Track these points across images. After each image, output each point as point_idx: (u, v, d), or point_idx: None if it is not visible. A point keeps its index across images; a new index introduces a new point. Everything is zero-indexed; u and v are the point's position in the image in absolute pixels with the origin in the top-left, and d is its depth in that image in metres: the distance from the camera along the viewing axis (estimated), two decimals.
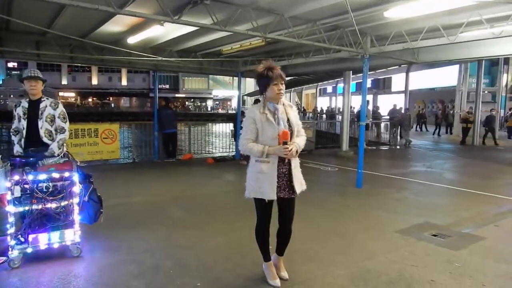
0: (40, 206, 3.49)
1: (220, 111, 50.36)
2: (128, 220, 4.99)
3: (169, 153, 10.61)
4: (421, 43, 7.29)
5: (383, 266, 3.59)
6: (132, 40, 8.45)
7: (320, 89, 42.78)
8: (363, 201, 6.20)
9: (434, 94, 29.29)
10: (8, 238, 3.44)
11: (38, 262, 3.52)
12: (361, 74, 7.73)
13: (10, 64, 50.35)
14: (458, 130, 17.61)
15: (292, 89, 34.99)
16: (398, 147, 14.95)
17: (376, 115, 16.86)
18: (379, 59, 9.67)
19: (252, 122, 2.96)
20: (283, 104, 3.06)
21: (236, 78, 13.67)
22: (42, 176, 3.52)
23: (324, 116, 30.53)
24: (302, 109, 37.49)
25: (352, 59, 10.15)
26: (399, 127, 15.42)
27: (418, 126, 23.25)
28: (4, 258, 3.48)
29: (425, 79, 28.26)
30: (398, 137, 15.59)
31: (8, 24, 7.89)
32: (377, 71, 21.92)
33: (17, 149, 3.94)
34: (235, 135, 10.55)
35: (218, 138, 13.59)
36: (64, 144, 4.09)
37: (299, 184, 3.06)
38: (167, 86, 54.21)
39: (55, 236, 3.59)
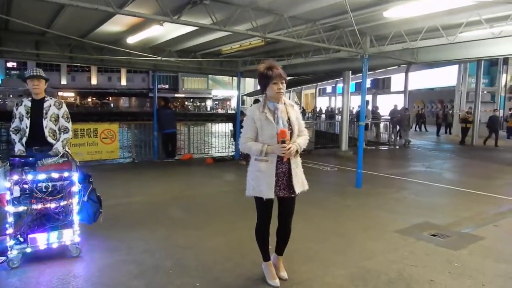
0: (39, 206, 3.48)
1: (219, 111, 50.41)
2: (128, 220, 4.99)
3: (168, 153, 10.61)
4: (420, 43, 7.30)
5: (382, 266, 3.59)
6: (131, 40, 8.45)
7: (319, 89, 42.76)
8: (363, 201, 6.20)
9: (433, 94, 29.31)
10: (8, 238, 3.43)
11: (37, 262, 3.51)
12: (361, 74, 7.74)
13: (10, 64, 50.26)
14: (457, 130, 17.63)
15: (292, 89, 35.02)
16: (397, 147, 14.96)
17: (375, 115, 16.86)
18: (378, 59, 9.68)
19: (252, 121, 2.98)
20: (284, 103, 3.06)
21: (235, 78, 13.67)
22: (42, 176, 3.52)
23: (324, 116, 30.53)
24: (302, 109, 37.49)
25: (351, 59, 10.15)
26: (397, 126, 15.44)
27: (417, 126, 23.28)
28: (3, 258, 3.46)
29: (424, 79, 28.27)
30: (398, 137, 15.60)
31: (8, 24, 7.89)
32: (376, 71, 21.94)
33: (19, 148, 3.91)
34: (235, 135, 10.55)
35: (218, 138, 13.58)
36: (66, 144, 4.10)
37: (300, 183, 3.04)
38: (167, 86, 54.19)
39: (54, 236, 3.58)
